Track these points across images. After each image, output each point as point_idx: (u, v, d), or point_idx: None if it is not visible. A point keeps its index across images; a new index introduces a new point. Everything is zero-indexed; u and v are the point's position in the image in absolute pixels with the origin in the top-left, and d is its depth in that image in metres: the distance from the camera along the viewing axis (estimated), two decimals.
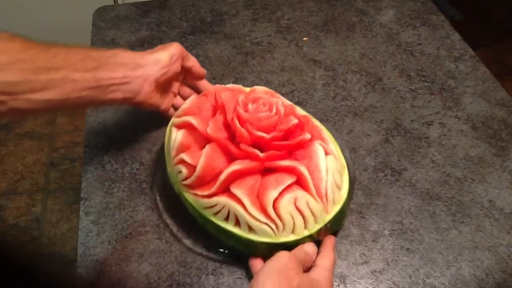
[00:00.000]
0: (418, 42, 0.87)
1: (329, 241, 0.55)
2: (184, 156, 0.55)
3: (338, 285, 0.55)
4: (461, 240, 0.59)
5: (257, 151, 0.53)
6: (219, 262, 0.57)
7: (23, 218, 1.46)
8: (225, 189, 0.53)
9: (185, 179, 0.55)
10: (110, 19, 0.94)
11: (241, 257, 0.56)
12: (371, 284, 0.55)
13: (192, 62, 0.66)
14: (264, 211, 0.51)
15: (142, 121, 0.73)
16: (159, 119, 0.73)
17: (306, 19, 0.93)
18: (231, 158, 0.54)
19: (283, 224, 0.51)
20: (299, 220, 0.52)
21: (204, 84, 0.70)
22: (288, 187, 0.52)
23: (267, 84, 0.79)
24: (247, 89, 0.63)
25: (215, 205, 0.53)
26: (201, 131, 0.56)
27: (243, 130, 0.54)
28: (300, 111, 0.62)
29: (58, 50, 0.54)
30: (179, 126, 0.59)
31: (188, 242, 0.58)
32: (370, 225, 0.60)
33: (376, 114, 0.74)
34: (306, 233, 0.53)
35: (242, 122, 0.54)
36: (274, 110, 0.56)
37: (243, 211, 0.51)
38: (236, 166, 0.52)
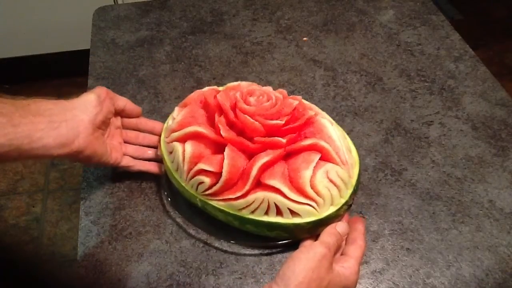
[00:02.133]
0: (418, 42, 0.87)
1: (360, 226, 0.54)
2: (202, 165, 0.54)
3: None
4: (461, 240, 0.59)
5: (280, 139, 0.54)
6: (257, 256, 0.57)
7: (23, 218, 1.46)
8: (257, 184, 0.54)
9: (210, 187, 0.55)
10: (110, 19, 0.94)
11: (241, 257, 0.56)
12: (371, 284, 0.55)
13: (123, 102, 0.62)
14: (302, 192, 0.52)
15: None
16: (159, 120, 0.73)
17: (306, 19, 0.93)
18: (248, 154, 0.55)
19: (323, 199, 0.53)
20: (335, 191, 0.53)
21: (145, 122, 0.66)
22: (319, 163, 0.54)
23: (267, 84, 0.79)
24: (221, 88, 0.63)
25: (253, 202, 0.53)
26: (210, 137, 0.56)
27: (256, 123, 0.54)
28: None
29: None
30: (182, 139, 0.57)
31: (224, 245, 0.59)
32: (370, 225, 0.60)
33: (376, 114, 0.74)
34: (343, 200, 0.54)
35: (250, 115, 0.55)
36: (274, 97, 0.57)
37: (283, 198, 0.52)
38: (264, 158, 0.53)
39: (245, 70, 0.82)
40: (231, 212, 0.55)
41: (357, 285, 0.55)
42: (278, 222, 0.53)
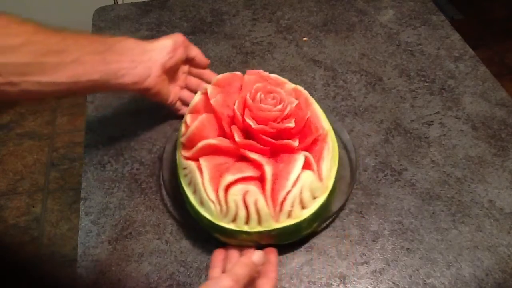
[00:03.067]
0: (418, 42, 0.87)
1: (272, 260, 0.53)
2: (187, 116, 0.59)
3: (338, 285, 0.55)
4: (461, 240, 0.59)
5: (236, 134, 0.54)
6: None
7: (23, 218, 1.46)
8: (198, 158, 0.55)
9: (182, 136, 0.59)
10: (110, 19, 0.94)
11: None
12: (371, 284, 0.55)
13: (195, 52, 0.68)
14: (215, 190, 0.53)
15: (142, 121, 0.73)
16: (159, 119, 0.73)
17: (306, 19, 0.93)
18: (222, 134, 0.56)
19: (227, 210, 0.52)
20: (242, 212, 0.52)
21: (208, 73, 0.71)
22: (246, 179, 0.53)
23: None
24: (289, 84, 0.63)
25: (186, 167, 0.56)
26: (210, 100, 0.58)
27: (238, 113, 0.55)
28: (324, 122, 0.60)
29: (68, 34, 0.55)
30: (202, 92, 0.61)
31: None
32: (370, 225, 0.60)
33: (376, 114, 0.74)
34: (246, 228, 0.53)
35: (243, 106, 0.56)
36: (279, 107, 0.56)
37: (200, 182, 0.53)
38: (213, 140, 0.55)
39: (245, 70, 0.82)
40: (177, 165, 0.59)
41: (357, 285, 0.55)
42: (189, 199, 0.56)
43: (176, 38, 0.64)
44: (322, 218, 0.58)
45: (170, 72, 0.65)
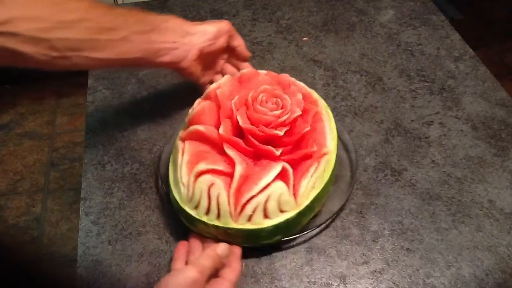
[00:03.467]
0: (418, 42, 0.87)
1: (236, 251, 0.54)
2: (197, 100, 0.60)
3: (338, 285, 0.55)
4: (461, 240, 0.59)
5: (223, 127, 0.55)
6: None
7: (23, 218, 1.46)
8: (185, 140, 0.57)
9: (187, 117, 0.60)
10: None
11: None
12: (371, 284, 0.55)
13: (238, 42, 0.69)
14: (189, 175, 0.53)
15: (142, 121, 0.73)
16: (159, 119, 0.73)
17: (306, 19, 0.93)
18: (218, 125, 0.57)
19: (192, 196, 0.53)
20: (204, 202, 0.52)
21: (245, 66, 0.72)
22: (218, 172, 0.53)
23: None
24: (315, 95, 0.62)
25: (176, 147, 0.57)
26: (216, 90, 0.59)
27: (234, 109, 0.56)
28: (329, 143, 0.57)
29: (119, 12, 0.57)
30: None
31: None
32: (370, 225, 0.60)
33: (376, 114, 0.74)
34: (205, 219, 0.53)
35: (241, 104, 0.57)
36: (276, 113, 0.55)
37: (179, 163, 0.55)
38: (201, 127, 0.56)
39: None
40: (174, 145, 0.60)
41: (357, 285, 0.55)
42: (169, 177, 0.58)
43: (222, 26, 0.65)
44: (288, 234, 0.56)
45: (209, 57, 0.66)
